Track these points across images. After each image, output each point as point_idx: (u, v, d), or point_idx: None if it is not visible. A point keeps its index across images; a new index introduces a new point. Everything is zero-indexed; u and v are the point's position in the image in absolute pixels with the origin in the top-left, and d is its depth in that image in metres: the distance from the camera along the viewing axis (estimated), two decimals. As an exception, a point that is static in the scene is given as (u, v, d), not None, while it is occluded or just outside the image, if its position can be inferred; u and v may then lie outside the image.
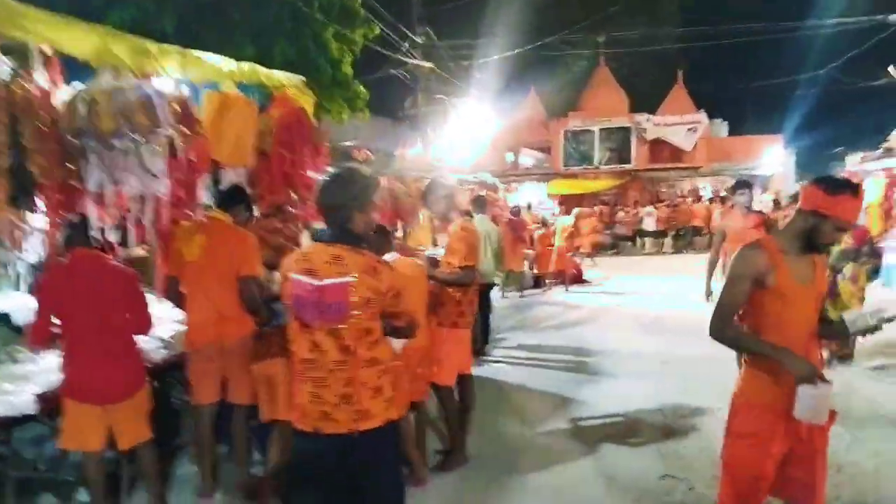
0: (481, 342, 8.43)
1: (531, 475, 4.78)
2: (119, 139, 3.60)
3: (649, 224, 24.17)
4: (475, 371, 5.46)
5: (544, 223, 16.43)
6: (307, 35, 11.18)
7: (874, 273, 8.03)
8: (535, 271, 15.29)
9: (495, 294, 11.01)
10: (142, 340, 4.42)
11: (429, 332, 4.58)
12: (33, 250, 5.16)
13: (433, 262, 4.88)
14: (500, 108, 22.16)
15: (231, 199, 4.46)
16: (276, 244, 5.21)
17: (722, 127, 32.03)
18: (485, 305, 8.54)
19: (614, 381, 7.17)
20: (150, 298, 4.68)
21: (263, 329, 4.28)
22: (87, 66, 3.72)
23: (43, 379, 3.97)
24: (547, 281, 15.03)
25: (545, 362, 8.15)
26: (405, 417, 4.48)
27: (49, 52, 3.66)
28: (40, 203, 3.90)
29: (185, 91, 4.11)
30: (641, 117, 29.20)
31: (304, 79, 5.29)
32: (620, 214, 25.21)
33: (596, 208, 24.42)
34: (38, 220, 4.40)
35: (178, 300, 4.43)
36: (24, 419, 3.79)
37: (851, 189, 2.67)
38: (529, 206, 18.75)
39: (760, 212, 7.20)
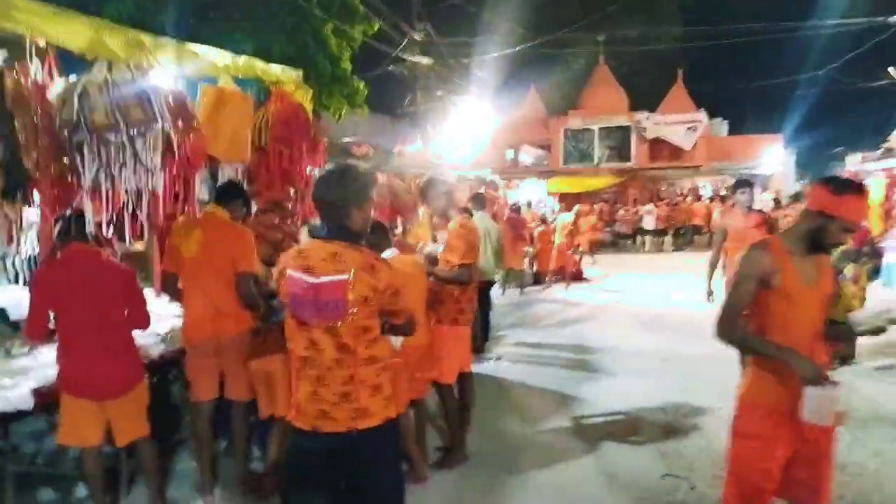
0: (481, 340, 8.38)
1: (531, 473, 4.74)
2: (113, 133, 3.55)
3: (649, 222, 24.13)
4: (475, 368, 5.42)
5: (544, 221, 16.38)
6: (306, 31, 11.12)
7: (875, 273, 8.02)
8: (536, 269, 15.26)
9: (495, 291, 10.97)
10: (140, 336, 4.39)
11: (428, 330, 4.54)
12: (31, 245, 5.13)
13: (432, 260, 4.84)
14: (500, 106, 22.11)
15: (228, 194, 4.41)
16: (274, 240, 5.18)
17: (722, 126, 32.02)
18: (485, 303, 8.50)
19: (615, 379, 7.14)
20: (148, 294, 4.66)
21: (262, 325, 4.25)
22: (84, 59, 3.67)
23: (40, 374, 3.92)
24: (547, 278, 14.99)
25: (545, 360, 8.11)
26: (405, 414, 4.45)
27: (44, 44, 3.62)
28: (36, 197, 3.88)
29: (181, 85, 4.06)
30: (641, 116, 29.20)
31: (301, 73, 5.24)
32: (621, 213, 25.16)
33: (596, 206, 24.38)
34: (34, 214, 4.37)
35: (176, 296, 4.38)
36: (19, 415, 3.75)
37: (858, 189, 2.64)
38: (530, 204, 18.69)
39: (761, 211, 7.15)
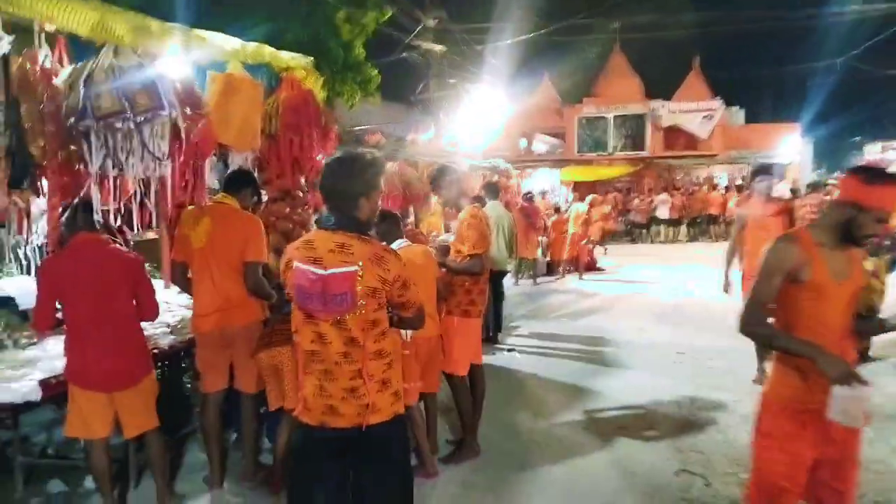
0: (494, 330, 8.33)
1: (544, 468, 4.67)
2: (120, 120, 3.49)
3: (663, 212, 23.91)
4: (487, 360, 5.35)
5: (557, 210, 16.26)
6: (319, 17, 11.05)
7: (892, 264, 7.86)
8: (549, 259, 15.15)
9: (508, 281, 10.89)
10: (149, 326, 4.36)
11: (439, 322, 4.47)
12: (41, 234, 5.10)
13: (444, 250, 4.76)
14: (514, 94, 21.93)
15: (237, 182, 4.33)
16: (285, 230, 5.13)
17: (738, 114, 31.66)
18: (497, 293, 8.44)
19: (629, 372, 7.04)
20: (158, 284, 4.62)
21: (272, 316, 4.19)
22: (94, 45, 3.61)
23: (48, 365, 3.90)
24: (560, 268, 14.89)
25: (558, 352, 8.02)
26: (416, 408, 4.39)
27: (53, 30, 3.56)
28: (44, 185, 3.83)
29: (190, 71, 3.99)
30: (657, 104, 28.91)
31: (312, 59, 5.16)
32: (635, 202, 24.94)
33: (610, 196, 24.21)
34: (43, 203, 4.33)
35: (185, 286, 4.33)
36: (28, 405, 3.73)
37: (891, 178, 2.51)
38: (544, 194, 18.54)
39: (781, 199, 7.00)
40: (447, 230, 8.44)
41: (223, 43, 4.31)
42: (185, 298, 4.98)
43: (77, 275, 3.60)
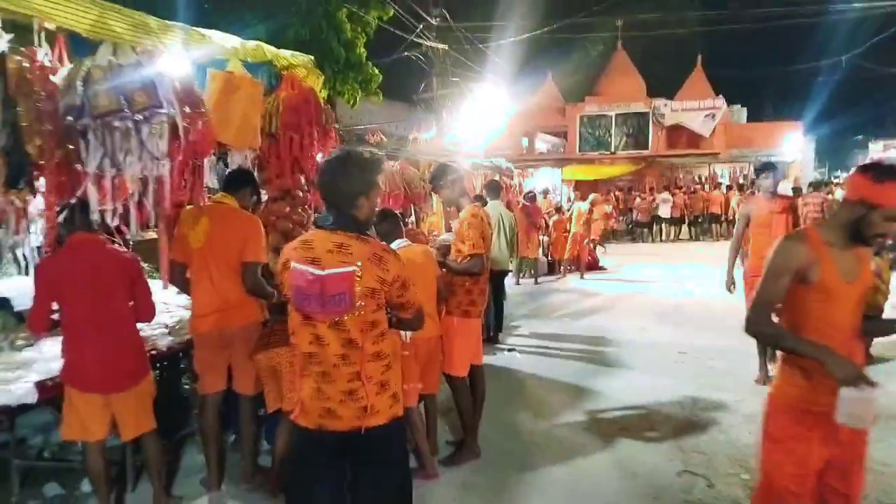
0: (494, 330, 8.29)
1: (545, 469, 4.63)
2: (118, 119, 3.46)
3: (665, 211, 23.85)
4: (488, 360, 5.31)
5: (559, 209, 16.22)
6: (320, 16, 11.03)
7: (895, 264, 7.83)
8: (550, 258, 15.12)
9: (509, 281, 10.85)
10: (147, 327, 4.33)
11: (438, 322, 4.44)
12: (39, 234, 5.07)
13: (445, 250, 4.73)
14: (516, 92, 21.92)
15: (236, 182, 4.30)
16: (285, 229, 5.09)
17: (741, 113, 31.64)
18: (498, 293, 8.40)
19: (630, 372, 7.01)
20: (156, 284, 4.59)
21: (269, 318, 4.16)
22: (94, 43, 3.58)
23: (44, 367, 3.86)
24: (562, 268, 14.85)
25: (560, 351, 7.99)
26: (415, 409, 4.36)
27: (53, 28, 3.53)
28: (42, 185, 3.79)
29: (189, 69, 3.95)
30: (659, 102, 28.90)
31: (312, 58, 5.11)
32: (637, 201, 24.88)
33: (612, 195, 24.16)
34: (41, 203, 4.30)
35: (184, 286, 4.30)
36: (25, 408, 3.69)
37: None
38: (546, 193, 18.50)
39: (785, 196, 6.94)
40: (448, 230, 8.41)
41: (223, 41, 4.27)
42: (184, 299, 4.94)
43: (74, 275, 3.57)
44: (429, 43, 17.19)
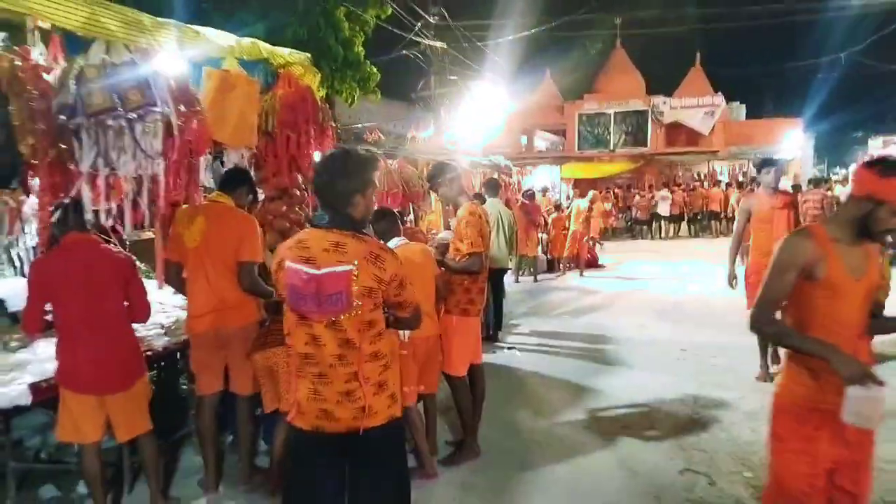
0: (494, 328, 8.26)
1: (545, 468, 4.60)
2: (112, 117, 3.41)
3: (664, 208, 23.83)
4: (487, 359, 5.28)
5: (558, 207, 16.19)
6: (318, 14, 10.98)
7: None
8: (550, 256, 15.09)
9: (508, 279, 10.82)
10: (143, 327, 4.29)
11: (437, 321, 4.40)
12: (34, 234, 5.04)
13: (444, 248, 4.68)
14: (515, 90, 21.91)
15: (232, 181, 4.27)
16: (282, 229, 5.05)
17: (740, 110, 31.61)
18: (498, 291, 8.37)
19: (631, 370, 6.97)
20: (152, 284, 4.55)
21: (270, 317, 4.12)
22: (89, 42, 3.54)
23: (38, 368, 3.83)
24: (561, 266, 14.82)
25: (560, 350, 7.95)
26: (414, 408, 4.32)
27: (47, 27, 3.49)
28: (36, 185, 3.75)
29: (184, 68, 3.91)
30: (658, 100, 28.87)
31: (309, 56, 5.07)
32: (636, 198, 24.86)
33: (611, 193, 24.14)
34: (34, 202, 4.26)
35: (180, 286, 4.26)
36: (17, 410, 3.65)
37: None
38: (545, 191, 18.47)
39: (787, 191, 6.88)
40: (447, 228, 8.37)
41: (218, 39, 4.23)
42: (180, 299, 4.91)
43: (68, 275, 3.53)
44: (427, 41, 17.15)
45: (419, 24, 16.53)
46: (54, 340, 3.64)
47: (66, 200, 3.60)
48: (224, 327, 4.03)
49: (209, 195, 4.32)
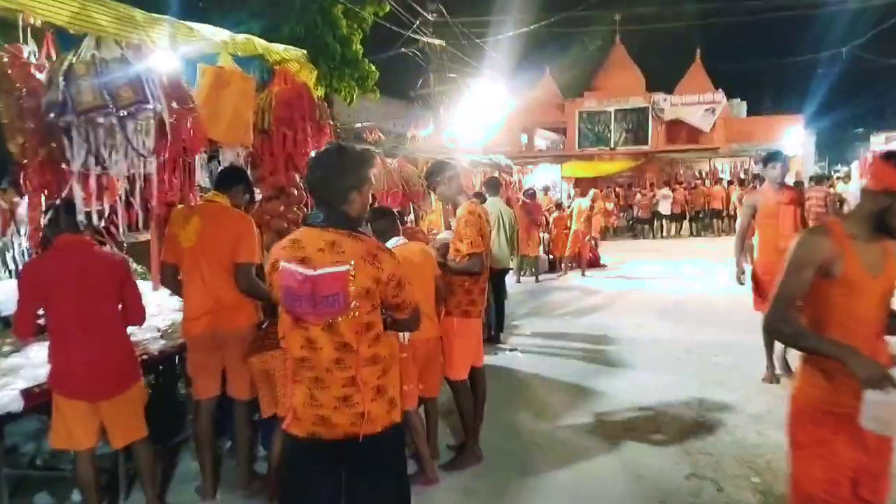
0: (495, 330, 8.17)
1: (548, 473, 4.51)
2: (102, 115, 3.33)
3: (665, 207, 23.74)
4: (489, 360, 5.19)
5: (559, 206, 16.11)
6: (315, 12, 10.90)
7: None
8: (551, 255, 15.01)
9: (510, 279, 10.73)
10: (139, 331, 4.20)
11: (437, 323, 4.31)
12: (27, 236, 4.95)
13: (445, 249, 4.59)
14: (515, 88, 21.84)
15: (228, 180, 4.17)
16: (279, 228, 4.98)
17: (740, 107, 31.53)
18: (499, 291, 8.28)
19: (634, 372, 6.88)
20: (147, 286, 4.47)
21: (268, 320, 4.04)
22: (80, 39, 3.46)
23: (31, 373, 3.74)
24: (563, 265, 14.74)
25: (562, 351, 7.86)
26: (415, 412, 4.23)
27: (39, 24, 3.40)
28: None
29: (177, 64, 3.83)
30: (658, 97, 28.75)
31: (305, 52, 4.99)
32: (637, 197, 24.77)
33: (612, 192, 24.06)
34: (27, 204, 4.17)
35: (175, 287, 4.17)
36: (9, 416, 3.57)
37: None
38: (546, 190, 18.38)
39: (793, 187, 6.76)
40: (448, 228, 8.29)
41: (212, 35, 4.15)
42: (176, 301, 4.82)
43: (60, 277, 3.45)
44: (426, 39, 17.07)
45: (417, 21, 16.44)
46: (47, 344, 3.55)
47: (58, 201, 3.52)
48: (220, 329, 3.94)
49: (205, 195, 4.24)
